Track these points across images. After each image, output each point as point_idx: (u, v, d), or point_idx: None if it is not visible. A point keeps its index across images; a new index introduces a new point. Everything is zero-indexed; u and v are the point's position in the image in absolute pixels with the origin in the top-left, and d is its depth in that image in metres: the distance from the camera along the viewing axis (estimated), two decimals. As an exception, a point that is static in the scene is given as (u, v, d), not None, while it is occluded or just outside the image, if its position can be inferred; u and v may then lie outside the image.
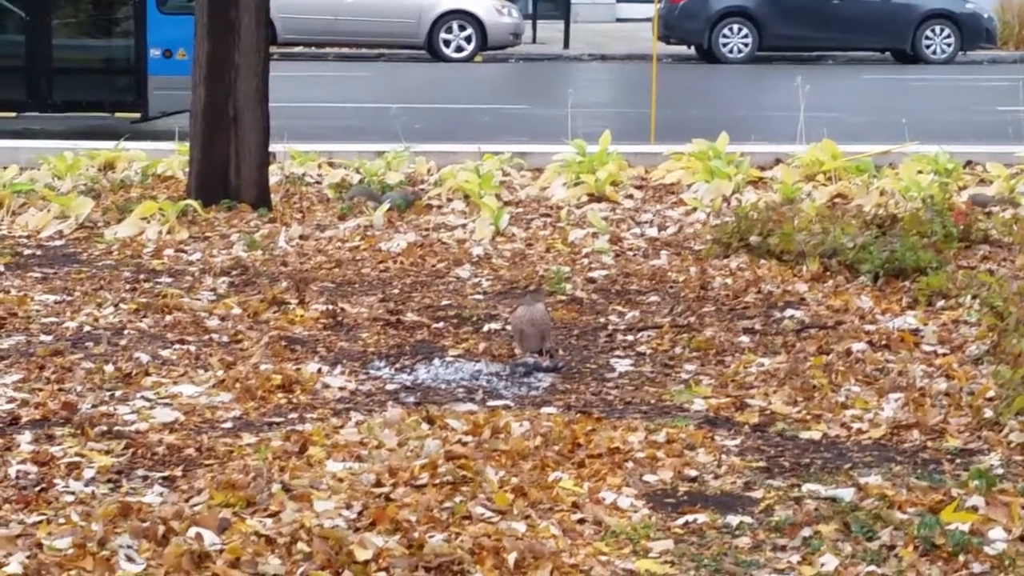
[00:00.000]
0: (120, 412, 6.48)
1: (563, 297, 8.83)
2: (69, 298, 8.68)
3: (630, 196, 12.32)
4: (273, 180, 12.10)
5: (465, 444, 5.91)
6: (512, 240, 10.56)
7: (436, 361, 7.47)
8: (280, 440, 6.06)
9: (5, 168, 12.74)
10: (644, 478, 5.71)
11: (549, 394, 6.95)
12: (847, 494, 5.48)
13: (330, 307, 8.40)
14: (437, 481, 5.49)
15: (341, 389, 6.95)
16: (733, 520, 5.29)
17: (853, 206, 11.39)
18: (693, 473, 5.79)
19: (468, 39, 28.51)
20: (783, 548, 5.06)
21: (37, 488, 5.51)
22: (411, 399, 6.81)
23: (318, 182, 12.83)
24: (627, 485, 5.62)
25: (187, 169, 11.92)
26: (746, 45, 28.64)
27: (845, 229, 9.62)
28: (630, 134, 15.44)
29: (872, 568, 4.85)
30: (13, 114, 17.05)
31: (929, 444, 6.19)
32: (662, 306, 8.57)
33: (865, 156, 13.14)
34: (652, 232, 10.86)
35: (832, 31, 28.88)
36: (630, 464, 5.82)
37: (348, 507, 5.25)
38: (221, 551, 4.77)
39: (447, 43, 28.49)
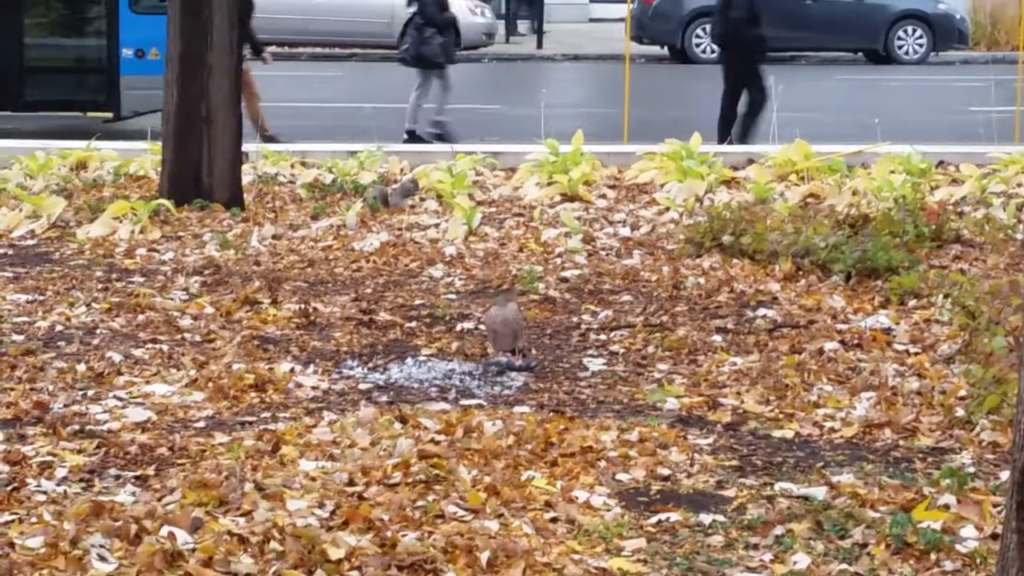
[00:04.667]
0: (92, 411, 6.46)
1: (536, 296, 8.82)
2: (41, 297, 8.65)
3: (603, 196, 12.33)
4: (246, 180, 12.09)
5: (438, 443, 5.90)
6: (485, 240, 10.55)
7: (409, 360, 7.46)
8: (253, 439, 6.05)
9: (-24, 168, 12.72)
10: (617, 477, 5.71)
11: (522, 393, 6.95)
12: (819, 493, 5.49)
13: (303, 306, 8.38)
14: (410, 480, 5.48)
15: (314, 388, 6.94)
16: (706, 519, 5.29)
17: (825, 206, 11.42)
18: (666, 472, 5.79)
19: (441, 39, 28.44)
20: (755, 546, 5.06)
21: (9, 487, 5.48)
22: (384, 398, 6.80)
23: (291, 182, 12.82)
24: (600, 484, 5.62)
25: (159, 169, 11.90)
26: (719, 46, 28.65)
27: (817, 229, 9.64)
28: (603, 134, 15.46)
29: (844, 566, 4.86)
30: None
31: (901, 443, 6.20)
32: (635, 305, 8.58)
33: (837, 156, 13.17)
34: (625, 232, 10.87)
35: (805, 32, 28.89)
36: (603, 463, 5.83)
37: (321, 506, 5.24)
38: (194, 550, 4.75)
39: (420, 43, 28.42)
